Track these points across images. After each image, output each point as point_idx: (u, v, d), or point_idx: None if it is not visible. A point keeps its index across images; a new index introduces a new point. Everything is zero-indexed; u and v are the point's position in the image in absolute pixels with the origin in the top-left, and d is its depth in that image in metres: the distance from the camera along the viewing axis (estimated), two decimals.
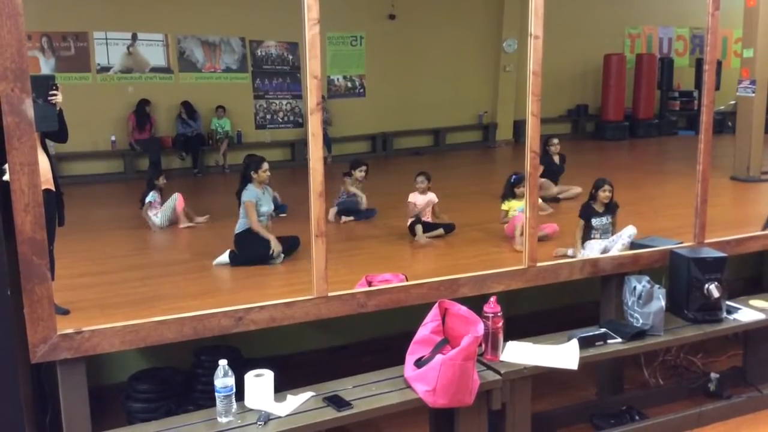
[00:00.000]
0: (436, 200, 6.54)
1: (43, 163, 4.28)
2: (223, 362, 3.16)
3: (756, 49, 8.75)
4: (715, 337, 4.63)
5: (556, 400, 4.60)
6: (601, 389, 4.68)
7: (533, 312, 5.62)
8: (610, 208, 5.74)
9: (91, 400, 3.27)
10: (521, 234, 5.32)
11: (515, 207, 6.29)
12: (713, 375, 4.63)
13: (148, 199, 7.09)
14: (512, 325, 5.13)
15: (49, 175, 4.32)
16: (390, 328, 4.92)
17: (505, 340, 3.90)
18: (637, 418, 4.28)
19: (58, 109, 3.92)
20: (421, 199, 6.50)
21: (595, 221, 5.67)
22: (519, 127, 13.25)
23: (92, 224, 6.94)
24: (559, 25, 13.11)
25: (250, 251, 5.64)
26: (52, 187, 4.34)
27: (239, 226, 5.80)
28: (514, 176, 6.44)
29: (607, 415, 4.32)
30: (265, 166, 5.92)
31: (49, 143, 4.49)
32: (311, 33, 3.46)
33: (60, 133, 4.19)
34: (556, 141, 8.15)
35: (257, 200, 5.78)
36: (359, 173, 7.23)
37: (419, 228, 6.22)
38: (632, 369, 4.87)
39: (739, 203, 8.26)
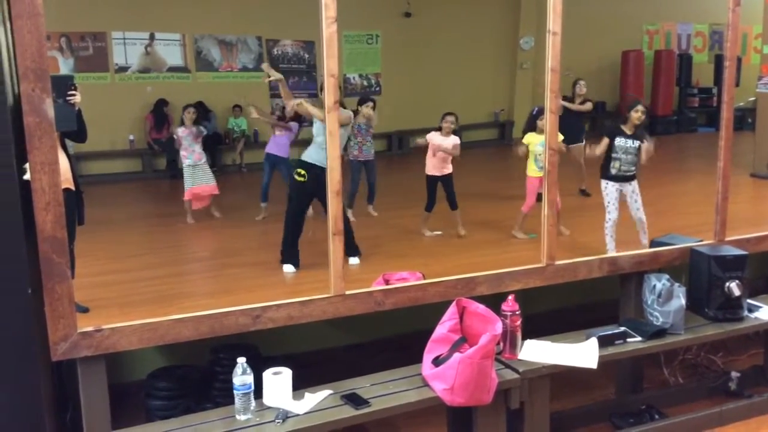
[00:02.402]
0: (458, 143, 6.28)
1: (63, 162, 4.32)
2: (241, 360, 3.17)
3: None
4: (736, 336, 4.59)
5: (575, 399, 4.58)
6: (620, 388, 4.65)
7: (552, 310, 5.57)
8: (640, 133, 5.52)
9: (110, 398, 3.30)
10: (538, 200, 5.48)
11: (535, 142, 6.13)
12: (734, 374, 4.58)
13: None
14: (531, 324, 5.13)
15: (69, 174, 4.37)
16: (407, 326, 4.91)
17: (523, 338, 3.89)
18: (656, 417, 4.25)
19: (77, 109, 3.96)
20: (440, 140, 6.24)
21: (619, 141, 5.47)
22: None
23: (111, 223, 6.99)
24: (577, 21, 13.05)
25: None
26: (72, 186, 4.38)
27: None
28: (536, 108, 6.30)
29: (626, 414, 4.29)
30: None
31: (69, 143, 4.53)
32: (329, 31, 3.46)
33: (79, 133, 4.22)
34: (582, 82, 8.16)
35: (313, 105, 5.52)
36: (366, 109, 7.08)
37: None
38: (652, 368, 4.84)
39: (759, 200, 8.17)
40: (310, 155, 5.45)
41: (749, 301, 4.39)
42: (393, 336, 5.16)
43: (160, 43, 10.42)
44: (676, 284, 4.09)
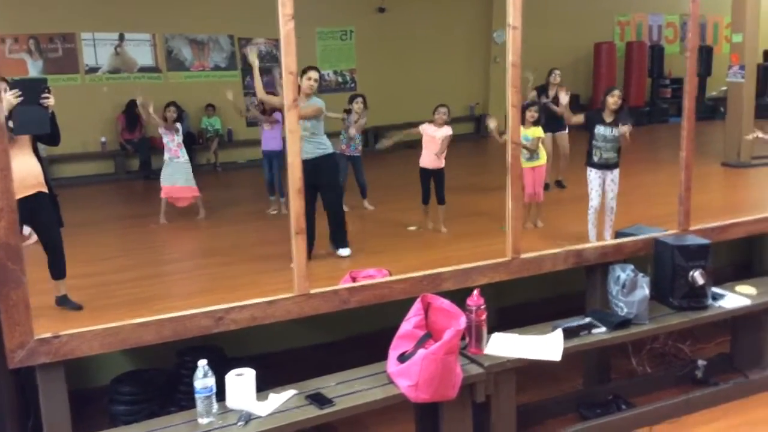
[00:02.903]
0: (450, 134, 6.31)
1: (35, 166, 4.31)
2: (202, 362, 3.15)
3: (745, 35, 8.72)
4: (704, 324, 4.62)
5: (543, 391, 4.59)
6: (588, 379, 4.68)
7: (527, 302, 5.59)
8: (620, 119, 5.58)
9: (75, 403, 3.27)
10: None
11: (521, 134, 6.21)
12: (700, 362, 4.62)
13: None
14: (504, 317, 5.16)
15: (42, 178, 4.35)
16: (379, 323, 4.88)
17: (498, 331, 3.90)
18: (623, 407, 4.27)
19: (50, 112, 3.94)
20: (432, 131, 6.30)
21: (599, 129, 5.56)
22: None
23: (82, 226, 6.90)
24: (549, 14, 13.16)
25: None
26: (45, 190, 4.37)
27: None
28: (526, 102, 6.46)
29: (594, 404, 4.32)
30: (311, 73, 5.51)
31: (39, 146, 4.50)
32: (286, 29, 3.44)
33: (53, 137, 4.21)
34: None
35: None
36: (357, 105, 7.24)
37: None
38: (620, 358, 4.87)
39: (729, 189, 8.24)
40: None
41: (713, 289, 4.43)
42: (364, 333, 5.14)
43: (130, 43, 10.34)
44: (640, 275, 4.12)
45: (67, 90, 9.58)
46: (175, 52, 10.72)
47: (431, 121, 6.37)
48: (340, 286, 3.92)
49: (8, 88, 3.78)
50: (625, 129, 5.48)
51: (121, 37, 10.26)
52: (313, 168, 5.25)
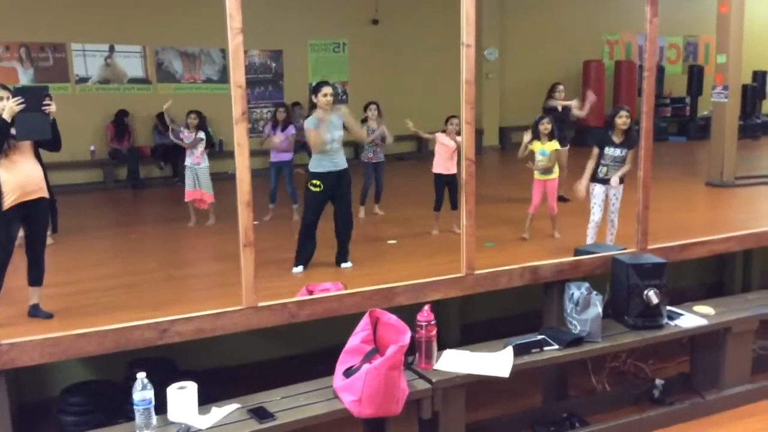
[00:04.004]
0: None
1: (37, 171, 4.39)
2: (141, 375, 3.16)
3: (729, 55, 8.73)
4: (667, 343, 4.62)
5: (502, 407, 4.60)
6: (547, 396, 4.67)
7: (491, 319, 5.59)
8: (628, 141, 5.72)
9: (27, 414, 3.27)
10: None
11: (538, 149, 6.50)
12: (658, 381, 4.61)
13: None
14: (467, 334, 5.16)
15: (43, 184, 4.42)
16: (341, 336, 4.91)
17: (461, 347, 3.91)
18: (577, 425, 4.26)
19: (51, 118, 4.01)
20: (447, 141, 6.63)
21: (608, 150, 5.68)
22: (504, 134, 13.29)
23: (66, 234, 6.95)
24: (539, 32, 13.23)
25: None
26: (47, 195, 4.43)
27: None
28: (538, 117, 6.75)
29: (549, 422, 4.31)
30: (325, 89, 5.56)
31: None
32: (234, 42, 3.47)
33: (54, 143, 4.28)
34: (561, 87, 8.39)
35: (315, 126, 5.50)
36: (371, 113, 7.53)
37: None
38: (580, 375, 4.86)
39: (711, 208, 8.22)
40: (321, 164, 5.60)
41: (671, 308, 4.44)
42: (325, 348, 5.14)
43: (120, 54, 10.44)
44: (594, 293, 4.13)
45: (57, 99, 9.53)
46: (165, 64, 10.81)
47: (443, 131, 6.72)
48: (289, 299, 3.93)
49: (10, 96, 3.88)
50: (617, 174, 5.66)
51: (112, 49, 10.36)
52: (337, 180, 5.53)
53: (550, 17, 13.14)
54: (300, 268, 5.57)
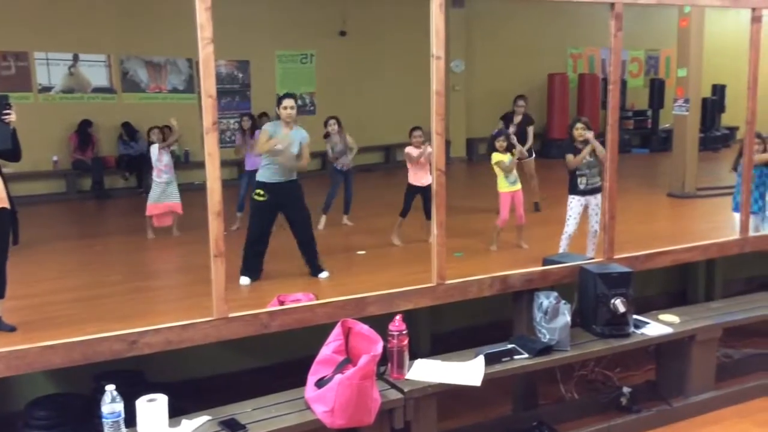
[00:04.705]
0: (431, 151, 6.56)
1: None
2: (110, 387, 3.11)
3: (689, 69, 8.94)
4: (634, 352, 4.69)
5: (472, 416, 4.60)
6: (516, 405, 4.70)
7: (463, 328, 5.61)
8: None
9: None
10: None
11: (504, 159, 6.64)
12: (625, 389, 4.67)
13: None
14: (438, 343, 5.17)
15: (4, 194, 4.32)
16: (313, 347, 4.88)
17: (432, 357, 3.91)
18: None
19: (12, 128, 3.93)
20: (417, 153, 6.74)
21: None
22: (471, 145, 13.41)
23: (29, 246, 6.81)
24: (504, 45, 13.39)
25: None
26: (7, 205, 4.34)
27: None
28: (495, 132, 6.99)
29: (519, 431, 4.34)
30: (286, 102, 5.65)
31: None
32: (205, 52, 3.46)
33: (14, 153, 4.19)
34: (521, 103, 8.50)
35: (272, 134, 5.59)
36: (331, 127, 7.71)
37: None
38: (550, 384, 4.90)
39: (674, 219, 8.40)
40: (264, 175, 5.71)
41: (637, 317, 4.51)
42: (297, 358, 5.12)
43: (85, 63, 10.31)
44: (563, 302, 4.17)
45: (19, 108, 9.33)
46: (130, 73, 10.71)
47: (410, 144, 6.85)
48: (260, 310, 3.91)
49: None
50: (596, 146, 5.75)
51: (76, 58, 10.23)
52: (283, 191, 5.64)
53: (515, 30, 13.34)
54: (246, 280, 5.57)
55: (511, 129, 8.14)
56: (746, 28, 5.23)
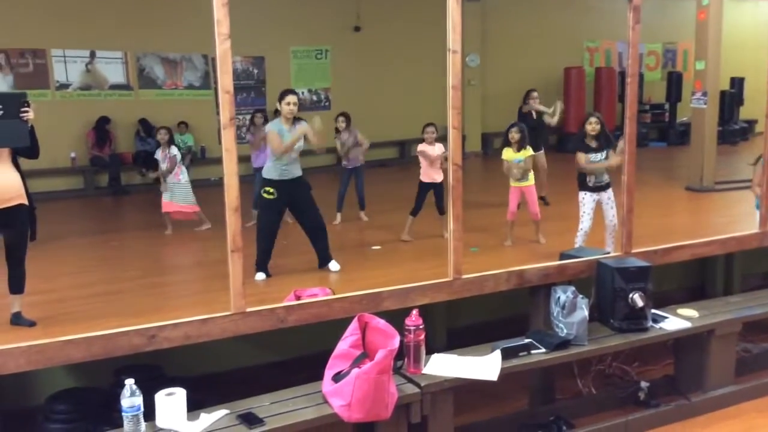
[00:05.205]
0: (444, 151, 6.59)
1: (16, 178, 4.36)
2: (129, 381, 3.14)
3: (707, 62, 8.85)
4: (652, 346, 4.67)
5: (488, 411, 4.61)
6: (533, 400, 4.69)
7: (479, 323, 5.59)
8: (604, 143, 5.79)
9: (12, 422, 3.23)
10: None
11: (512, 158, 6.59)
12: (643, 384, 4.65)
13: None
14: (454, 338, 5.17)
15: (22, 191, 4.38)
16: (329, 341, 4.90)
17: (448, 351, 3.90)
18: (564, 428, 4.28)
19: (30, 126, 3.97)
20: (430, 150, 6.69)
21: (590, 156, 5.76)
22: (487, 140, 13.36)
23: (47, 242, 6.89)
24: (520, 39, 13.31)
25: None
26: (26, 201, 4.39)
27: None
28: (510, 125, 6.85)
29: (535, 425, 4.32)
30: (289, 98, 5.60)
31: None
32: (222, 48, 3.47)
33: (32, 150, 4.24)
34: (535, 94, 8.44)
35: (279, 132, 5.58)
36: (340, 124, 7.66)
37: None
38: (567, 379, 4.89)
39: (692, 213, 8.34)
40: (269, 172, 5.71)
41: (656, 311, 4.48)
42: (314, 353, 5.13)
43: (102, 60, 10.39)
44: (580, 296, 4.16)
45: (37, 105, 9.45)
46: (147, 70, 10.77)
47: (423, 140, 6.78)
48: (277, 304, 3.92)
49: None
50: (614, 162, 5.67)
51: (92, 55, 10.31)
52: (291, 188, 5.63)
53: (531, 24, 13.28)
54: (262, 275, 5.59)
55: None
56: (765, 21, 5.18)
